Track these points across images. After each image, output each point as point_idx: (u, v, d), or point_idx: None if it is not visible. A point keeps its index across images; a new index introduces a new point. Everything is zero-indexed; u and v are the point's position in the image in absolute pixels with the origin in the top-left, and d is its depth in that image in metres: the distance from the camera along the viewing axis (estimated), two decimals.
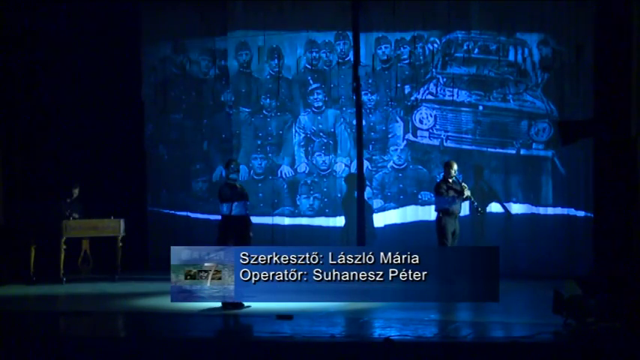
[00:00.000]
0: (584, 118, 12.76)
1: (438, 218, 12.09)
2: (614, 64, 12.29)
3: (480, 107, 13.67)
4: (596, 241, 12.70)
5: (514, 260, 13.37)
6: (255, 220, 12.31)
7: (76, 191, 13.38)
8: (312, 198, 14.36)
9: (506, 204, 13.52)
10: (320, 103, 14.36)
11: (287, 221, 14.49)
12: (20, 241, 13.48)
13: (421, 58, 13.87)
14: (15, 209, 13.93)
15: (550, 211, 13.31)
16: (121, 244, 13.21)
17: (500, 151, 13.59)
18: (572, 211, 13.20)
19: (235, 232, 10.55)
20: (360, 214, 14.24)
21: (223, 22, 14.66)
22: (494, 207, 13.59)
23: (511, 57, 13.54)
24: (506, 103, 13.56)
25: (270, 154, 14.54)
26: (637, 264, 10.31)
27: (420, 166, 13.91)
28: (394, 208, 14.07)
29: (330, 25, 14.26)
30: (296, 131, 14.43)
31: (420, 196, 13.78)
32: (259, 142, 14.58)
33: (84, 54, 14.65)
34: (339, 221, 14.28)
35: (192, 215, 14.81)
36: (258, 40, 14.46)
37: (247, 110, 14.64)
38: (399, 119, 13.99)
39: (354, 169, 14.07)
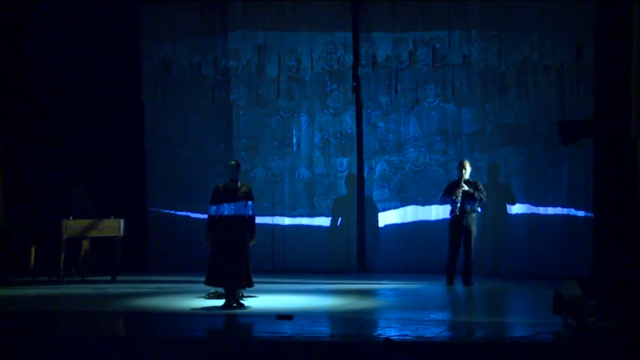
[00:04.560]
0: (584, 118, 12.76)
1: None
2: (614, 64, 12.29)
3: (483, 108, 13.67)
4: (596, 241, 12.70)
5: (514, 260, 13.39)
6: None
7: (79, 190, 13.38)
8: (329, 199, 14.31)
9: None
10: (337, 104, 14.31)
11: (287, 221, 14.46)
12: (20, 241, 13.47)
13: (437, 58, 13.85)
14: (15, 209, 13.92)
15: (550, 211, 13.31)
16: (121, 244, 13.21)
17: (501, 151, 13.59)
18: (572, 211, 13.20)
19: (217, 232, 10.31)
20: (360, 214, 14.23)
21: (224, 23, 14.62)
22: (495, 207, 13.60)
23: (511, 57, 13.53)
24: (507, 103, 13.56)
25: (287, 156, 14.51)
26: (637, 264, 10.30)
27: (438, 168, 13.88)
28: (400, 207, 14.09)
29: (330, 26, 14.22)
30: (313, 132, 14.40)
31: (438, 199, 13.75)
32: (276, 144, 14.54)
33: (84, 54, 14.65)
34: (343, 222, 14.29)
35: (192, 215, 14.79)
36: (272, 40, 14.41)
37: (264, 111, 14.58)
38: (416, 120, 13.97)
39: (371, 170, 14.14)
